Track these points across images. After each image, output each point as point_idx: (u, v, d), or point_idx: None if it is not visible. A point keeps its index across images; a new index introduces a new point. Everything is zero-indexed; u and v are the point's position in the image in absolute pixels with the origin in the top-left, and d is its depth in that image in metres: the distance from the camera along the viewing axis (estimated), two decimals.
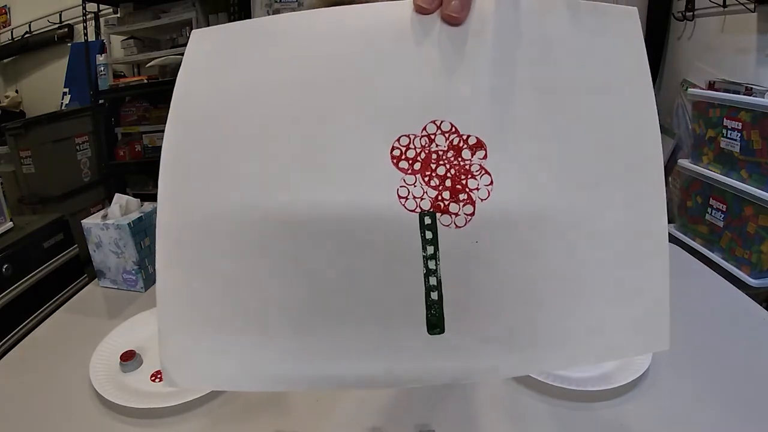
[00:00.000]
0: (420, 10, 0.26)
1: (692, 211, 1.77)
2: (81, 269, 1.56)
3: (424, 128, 0.27)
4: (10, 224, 1.38)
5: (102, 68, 2.29)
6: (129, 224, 0.82)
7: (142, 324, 0.73)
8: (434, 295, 0.27)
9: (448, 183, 0.27)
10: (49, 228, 1.46)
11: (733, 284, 0.82)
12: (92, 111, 2.33)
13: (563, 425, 0.53)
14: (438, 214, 0.26)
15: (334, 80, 0.27)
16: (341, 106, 0.27)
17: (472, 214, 0.27)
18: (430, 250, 0.26)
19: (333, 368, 0.28)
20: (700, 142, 1.70)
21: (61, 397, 0.59)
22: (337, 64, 0.27)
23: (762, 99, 1.44)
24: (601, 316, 0.29)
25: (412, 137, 0.27)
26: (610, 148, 0.28)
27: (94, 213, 0.88)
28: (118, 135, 2.43)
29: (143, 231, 0.86)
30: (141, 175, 2.52)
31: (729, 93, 1.60)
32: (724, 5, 1.81)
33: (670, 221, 2.05)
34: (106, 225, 0.83)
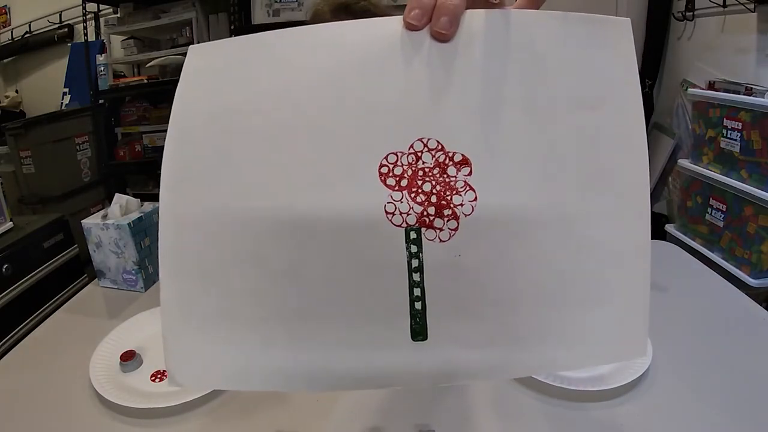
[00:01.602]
0: (410, 26, 0.27)
1: (692, 211, 1.77)
2: (81, 269, 1.56)
3: (411, 146, 0.27)
4: (10, 224, 1.38)
5: (102, 68, 2.29)
6: (129, 224, 0.82)
7: (142, 324, 0.73)
8: (418, 305, 0.28)
9: (433, 199, 0.27)
10: (49, 228, 1.46)
11: (733, 284, 0.82)
12: (92, 111, 2.33)
13: (562, 425, 0.53)
14: (423, 229, 0.27)
15: (326, 97, 0.28)
16: (332, 122, 0.28)
17: (456, 228, 0.27)
18: (415, 263, 0.28)
19: (324, 370, 0.29)
20: (700, 142, 1.70)
21: (61, 397, 0.59)
22: (329, 80, 0.28)
23: (762, 99, 1.44)
24: (580, 325, 0.29)
25: (399, 155, 0.27)
26: (598, 162, 0.28)
27: (94, 213, 0.88)
28: (118, 135, 2.43)
29: (143, 231, 0.86)
30: (141, 175, 2.52)
31: (729, 93, 1.60)
32: (724, 5, 1.81)
33: (670, 221, 2.05)
34: (106, 225, 0.83)
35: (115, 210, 0.86)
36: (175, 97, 0.30)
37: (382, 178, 0.27)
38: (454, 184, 0.27)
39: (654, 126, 2.41)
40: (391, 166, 0.27)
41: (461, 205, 0.27)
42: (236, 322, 0.29)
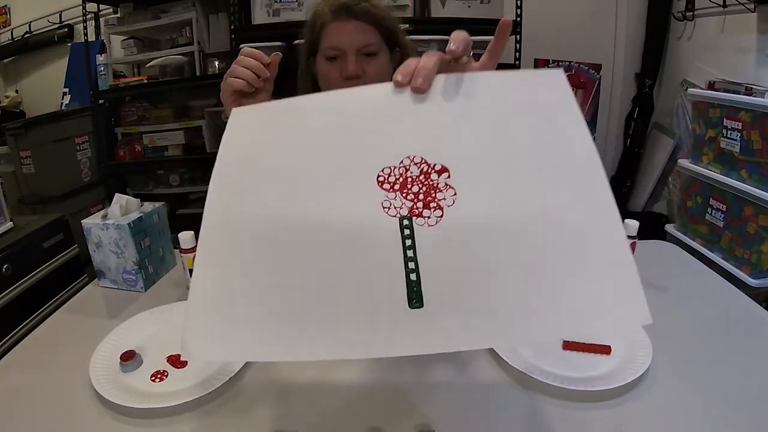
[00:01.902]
0: (397, 84, 0.39)
1: (692, 211, 1.77)
2: (81, 269, 1.56)
3: (401, 162, 0.37)
4: (10, 224, 1.38)
5: (102, 68, 2.29)
6: (129, 224, 0.82)
7: (142, 324, 0.73)
8: (413, 276, 0.35)
9: (421, 197, 0.36)
10: (49, 228, 1.46)
11: (733, 284, 0.82)
12: (92, 111, 2.33)
13: (563, 425, 0.53)
14: (414, 218, 0.36)
15: (340, 131, 0.39)
16: (342, 146, 0.38)
17: (441, 216, 0.36)
18: (408, 242, 0.35)
19: (332, 338, 0.35)
20: (700, 142, 1.70)
21: (61, 397, 0.60)
22: (343, 120, 0.39)
23: (762, 99, 1.44)
24: (567, 295, 0.34)
25: (392, 167, 0.37)
26: (554, 163, 0.36)
27: (94, 213, 0.88)
28: (118, 135, 2.43)
29: (143, 231, 0.86)
30: (141, 175, 2.51)
31: (729, 93, 1.60)
32: (724, 5, 1.81)
33: (670, 221, 2.05)
34: (106, 225, 0.83)
35: (115, 210, 0.86)
36: (222, 140, 0.42)
37: (380, 184, 0.37)
38: (437, 185, 0.36)
39: (654, 126, 2.41)
40: (386, 176, 0.37)
41: (444, 199, 0.36)
42: (252, 297, 0.36)
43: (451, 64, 0.41)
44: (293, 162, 0.39)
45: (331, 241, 0.36)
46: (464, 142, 0.37)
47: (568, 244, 0.34)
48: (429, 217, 0.36)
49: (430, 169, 0.37)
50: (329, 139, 0.39)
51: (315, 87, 0.93)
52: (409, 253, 0.35)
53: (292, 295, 0.36)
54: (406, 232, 0.35)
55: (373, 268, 0.35)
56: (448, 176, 0.36)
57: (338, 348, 0.35)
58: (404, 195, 0.36)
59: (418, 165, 0.37)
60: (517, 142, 0.37)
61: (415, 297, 0.34)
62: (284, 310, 0.36)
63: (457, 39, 0.41)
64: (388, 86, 0.38)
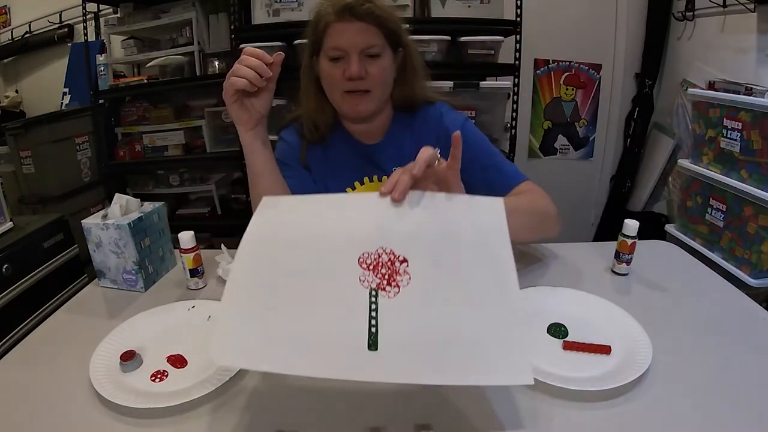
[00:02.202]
0: (381, 194, 0.55)
1: (692, 211, 1.77)
2: (81, 269, 1.56)
3: (377, 250, 0.52)
4: (10, 224, 1.38)
5: (102, 68, 2.28)
6: (129, 224, 0.82)
7: (142, 324, 0.73)
8: (373, 330, 0.48)
9: (386, 277, 0.51)
10: (49, 228, 1.46)
11: (733, 284, 0.82)
12: (92, 111, 2.33)
13: (563, 424, 0.53)
14: (380, 291, 0.50)
15: (337, 229, 0.54)
16: (342, 237, 0.54)
17: (398, 292, 0.50)
18: (373, 306, 0.49)
19: (314, 363, 0.47)
20: (700, 142, 1.70)
21: (61, 397, 0.60)
22: (340, 219, 0.55)
23: (762, 99, 1.44)
24: (475, 356, 0.46)
25: (370, 253, 0.52)
26: (478, 268, 0.51)
27: (94, 213, 0.88)
28: (118, 135, 2.42)
29: (143, 231, 0.86)
30: (141, 175, 2.51)
31: (729, 93, 1.60)
32: (724, 5, 1.81)
33: (670, 221, 2.05)
34: (106, 225, 0.83)
35: (115, 210, 0.86)
36: (252, 219, 0.56)
37: (360, 264, 0.52)
38: (398, 270, 0.51)
39: (654, 126, 2.41)
40: (365, 258, 0.52)
41: (401, 281, 0.51)
42: (270, 323, 0.49)
43: (428, 169, 0.57)
44: (304, 241, 0.54)
45: (323, 298, 0.51)
46: (422, 243, 0.52)
47: (477, 333, 0.47)
48: (389, 292, 0.50)
49: (395, 259, 0.52)
50: (332, 228, 0.54)
51: (317, 86, 0.92)
52: (373, 314, 0.49)
53: (293, 330, 0.49)
54: (373, 299, 0.50)
55: (348, 321, 0.48)
56: (407, 265, 0.51)
57: (318, 369, 0.47)
58: (375, 274, 0.51)
59: (388, 254, 0.52)
60: (459, 249, 0.52)
61: (372, 343, 0.47)
62: (286, 339, 0.48)
63: (419, 161, 0.56)
64: (375, 195, 0.55)
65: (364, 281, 0.50)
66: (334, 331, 0.48)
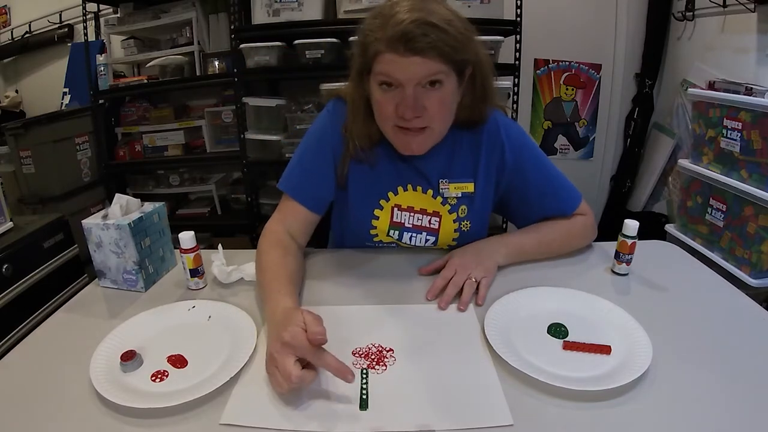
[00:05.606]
0: (427, 298, 0.80)
1: (692, 211, 1.77)
2: (81, 269, 1.56)
3: (368, 345, 0.68)
4: (10, 224, 1.38)
5: (102, 68, 2.28)
6: (129, 224, 0.82)
7: (142, 324, 0.73)
8: (364, 396, 0.59)
9: (375, 360, 0.65)
10: (49, 228, 1.46)
11: (733, 284, 0.82)
12: (92, 111, 2.33)
13: (564, 424, 0.53)
14: (370, 369, 0.63)
15: (345, 329, 0.71)
16: (345, 336, 0.69)
17: (385, 370, 0.63)
18: (364, 380, 0.61)
19: (314, 417, 0.56)
20: (700, 142, 1.70)
21: (61, 397, 0.60)
22: (349, 322, 0.73)
23: (762, 99, 1.44)
24: (459, 404, 0.57)
25: (362, 347, 0.68)
26: (460, 354, 0.66)
27: (94, 213, 0.88)
28: (118, 135, 2.42)
29: (143, 231, 0.86)
30: (141, 175, 2.51)
31: (729, 93, 1.60)
32: (724, 5, 1.81)
33: (670, 221, 2.05)
34: (107, 225, 0.83)
35: (115, 210, 0.85)
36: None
37: (353, 354, 0.66)
38: (386, 355, 0.66)
39: (654, 126, 2.41)
40: (357, 350, 0.67)
41: (388, 362, 0.65)
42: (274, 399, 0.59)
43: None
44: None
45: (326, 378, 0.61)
46: (406, 337, 0.69)
47: (459, 385, 0.60)
48: (378, 370, 0.63)
49: (383, 349, 0.67)
50: (342, 330, 0.70)
51: (367, 104, 0.82)
52: (364, 386, 0.60)
53: (293, 396, 0.58)
54: (364, 375, 0.62)
55: (342, 390, 0.59)
56: (393, 353, 0.66)
57: (321, 426, 0.55)
58: (365, 359, 0.65)
59: (377, 347, 0.68)
60: (439, 338, 0.69)
61: (363, 406, 0.57)
62: (285, 401, 0.58)
63: (474, 298, 0.77)
64: (379, 308, 0.77)
65: (356, 364, 0.64)
66: (335, 399, 0.58)
